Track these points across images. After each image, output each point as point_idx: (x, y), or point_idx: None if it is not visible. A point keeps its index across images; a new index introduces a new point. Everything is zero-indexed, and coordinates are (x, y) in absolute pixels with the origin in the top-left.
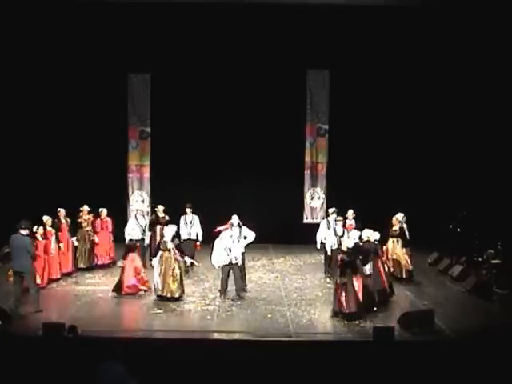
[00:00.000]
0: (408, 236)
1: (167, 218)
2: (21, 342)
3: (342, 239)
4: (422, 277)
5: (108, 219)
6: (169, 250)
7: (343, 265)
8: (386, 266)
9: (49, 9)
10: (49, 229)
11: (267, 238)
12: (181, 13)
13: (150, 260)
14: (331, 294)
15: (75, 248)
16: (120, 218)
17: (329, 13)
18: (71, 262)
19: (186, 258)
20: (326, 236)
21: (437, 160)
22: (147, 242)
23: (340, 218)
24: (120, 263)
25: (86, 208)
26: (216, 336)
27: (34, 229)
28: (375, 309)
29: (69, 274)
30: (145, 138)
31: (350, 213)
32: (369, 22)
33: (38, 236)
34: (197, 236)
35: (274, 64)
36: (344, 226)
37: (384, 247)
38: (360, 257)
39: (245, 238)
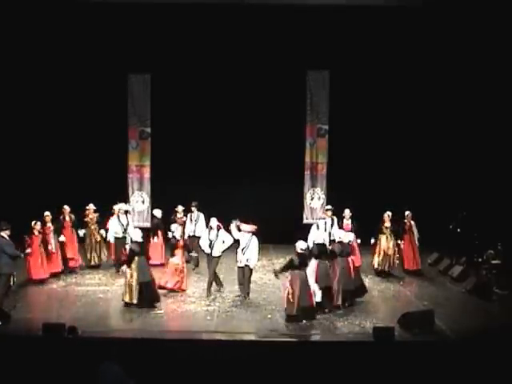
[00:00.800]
0: (417, 233)
1: (185, 218)
2: (21, 342)
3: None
4: (422, 277)
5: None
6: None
7: (288, 265)
8: (357, 266)
9: (49, 9)
10: (48, 225)
11: (267, 238)
12: (181, 13)
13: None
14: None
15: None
16: None
17: (329, 13)
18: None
19: (193, 253)
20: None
21: (437, 160)
22: (129, 240)
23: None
24: (124, 268)
25: (91, 207)
26: (216, 336)
27: (32, 224)
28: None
29: (74, 270)
30: (145, 139)
31: (347, 212)
32: (369, 23)
33: (35, 231)
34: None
35: (274, 64)
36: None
37: (373, 241)
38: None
39: (223, 242)
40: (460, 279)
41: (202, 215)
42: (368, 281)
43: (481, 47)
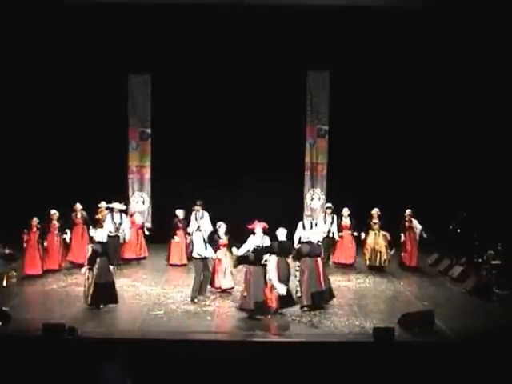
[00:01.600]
0: (421, 227)
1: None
2: (21, 342)
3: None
4: (422, 277)
5: (137, 215)
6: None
7: (242, 260)
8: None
9: (49, 10)
10: (54, 222)
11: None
12: (181, 14)
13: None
14: None
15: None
16: None
17: (329, 14)
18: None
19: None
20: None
21: (437, 161)
22: (122, 239)
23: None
24: (84, 270)
25: (103, 205)
26: (216, 337)
27: (31, 220)
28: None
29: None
30: (145, 139)
31: (345, 211)
32: (369, 23)
33: (33, 228)
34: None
35: (274, 65)
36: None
37: (362, 236)
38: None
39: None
40: (460, 279)
41: (206, 214)
42: (368, 281)
43: (481, 48)
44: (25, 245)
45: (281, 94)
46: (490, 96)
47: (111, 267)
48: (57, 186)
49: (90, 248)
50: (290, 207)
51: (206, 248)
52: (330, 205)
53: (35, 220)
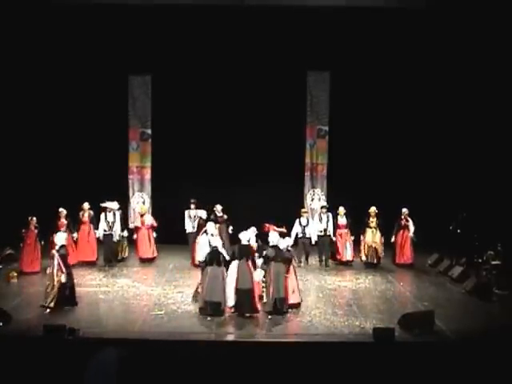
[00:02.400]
0: (413, 229)
1: (225, 216)
2: (22, 343)
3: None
4: (422, 278)
5: (148, 216)
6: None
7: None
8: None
9: (49, 11)
10: (62, 220)
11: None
12: (181, 14)
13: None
14: (332, 296)
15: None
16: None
17: (329, 14)
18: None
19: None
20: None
21: (437, 161)
22: (116, 238)
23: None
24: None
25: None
26: (216, 337)
27: (29, 219)
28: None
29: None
30: (145, 140)
31: (341, 209)
32: (369, 24)
33: (32, 226)
34: None
35: (274, 65)
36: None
37: (361, 236)
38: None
39: None
40: (460, 280)
41: (200, 212)
42: (368, 281)
43: (482, 49)
44: (21, 244)
45: (281, 95)
46: (490, 96)
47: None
48: (57, 187)
49: (56, 254)
50: (289, 208)
51: None
52: (325, 204)
53: (34, 219)
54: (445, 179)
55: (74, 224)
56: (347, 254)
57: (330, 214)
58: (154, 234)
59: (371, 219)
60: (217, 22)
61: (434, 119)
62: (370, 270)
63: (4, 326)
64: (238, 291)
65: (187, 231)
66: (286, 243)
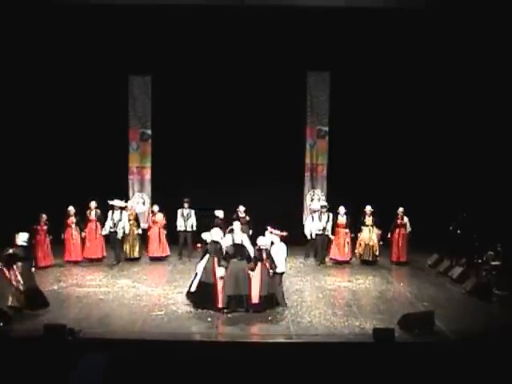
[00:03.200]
0: (410, 228)
1: (248, 218)
2: (22, 343)
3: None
4: (422, 278)
5: (160, 215)
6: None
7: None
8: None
9: (50, 11)
10: (71, 218)
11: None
12: (181, 15)
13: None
14: (332, 296)
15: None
16: None
17: (329, 15)
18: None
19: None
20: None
21: (437, 162)
22: (120, 235)
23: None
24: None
25: (130, 203)
26: (216, 337)
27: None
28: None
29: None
30: (145, 140)
31: (341, 209)
32: (369, 24)
33: (42, 223)
34: (192, 227)
35: (274, 66)
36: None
37: (358, 234)
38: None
39: None
40: (460, 280)
41: (193, 211)
42: (368, 282)
43: (482, 50)
44: (32, 240)
45: (281, 95)
46: (490, 97)
47: (33, 269)
48: (57, 187)
49: (9, 250)
50: (290, 208)
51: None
52: (325, 203)
53: (44, 216)
54: (445, 180)
55: (81, 222)
56: (345, 253)
57: (331, 214)
58: (164, 232)
59: (367, 218)
60: (217, 23)
61: (433, 119)
62: (370, 271)
63: (4, 326)
64: (200, 284)
65: (178, 229)
66: (265, 241)
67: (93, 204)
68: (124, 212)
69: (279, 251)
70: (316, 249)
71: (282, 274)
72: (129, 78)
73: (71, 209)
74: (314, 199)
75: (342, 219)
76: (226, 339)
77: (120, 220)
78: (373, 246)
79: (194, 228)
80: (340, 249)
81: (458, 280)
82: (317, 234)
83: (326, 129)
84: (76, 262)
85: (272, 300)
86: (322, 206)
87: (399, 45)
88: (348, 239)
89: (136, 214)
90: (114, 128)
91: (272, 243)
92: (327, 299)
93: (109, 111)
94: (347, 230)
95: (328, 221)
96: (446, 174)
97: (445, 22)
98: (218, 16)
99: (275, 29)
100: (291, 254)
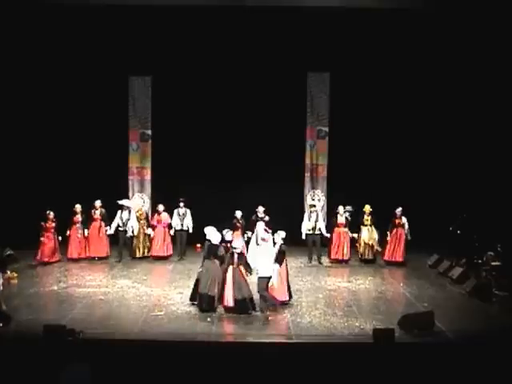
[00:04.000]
0: (408, 228)
1: (267, 218)
2: (22, 343)
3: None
4: (422, 279)
5: (165, 214)
6: None
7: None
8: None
9: (50, 12)
10: (77, 216)
11: None
12: (182, 15)
13: None
14: (332, 297)
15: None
16: None
17: (329, 15)
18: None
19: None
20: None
21: (437, 162)
22: (129, 234)
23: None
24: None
25: (141, 203)
26: (216, 338)
27: (47, 213)
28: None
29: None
30: (145, 141)
31: (341, 208)
32: (369, 25)
33: (49, 220)
34: (187, 227)
35: (274, 66)
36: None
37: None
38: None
39: None
40: (460, 281)
41: (189, 211)
42: (368, 282)
43: (480, 50)
44: (41, 236)
45: (281, 96)
46: (490, 97)
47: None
48: (57, 187)
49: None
50: (290, 208)
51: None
52: (313, 203)
53: (51, 213)
54: (445, 180)
55: (86, 221)
56: (344, 252)
57: (320, 213)
58: (172, 232)
59: (366, 217)
60: (217, 23)
61: (433, 120)
62: (370, 271)
63: (4, 326)
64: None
65: (174, 228)
66: (236, 244)
67: (97, 203)
68: (133, 211)
69: (267, 254)
70: (309, 249)
71: (268, 278)
72: (129, 79)
73: (78, 206)
74: (315, 199)
75: (342, 218)
76: (226, 339)
77: (129, 219)
78: (373, 245)
79: (190, 228)
80: (340, 249)
81: (458, 280)
82: (307, 234)
83: (326, 129)
84: (79, 260)
85: (247, 304)
86: (310, 205)
87: (399, 45)
88: (347, 239)
89: (146, 214)
90: (114, 128)
91: (274, 243)
92: (327, 299)
93: (109, 112)
94: (347, 230)
95: (317, 220)
96: (446, 175)
97: (445, 23)
98: (218, 17)
99: (275, 30)
100: (291, 255)
